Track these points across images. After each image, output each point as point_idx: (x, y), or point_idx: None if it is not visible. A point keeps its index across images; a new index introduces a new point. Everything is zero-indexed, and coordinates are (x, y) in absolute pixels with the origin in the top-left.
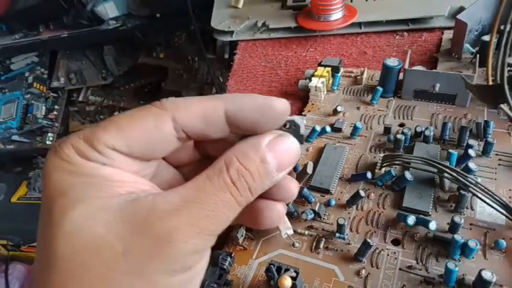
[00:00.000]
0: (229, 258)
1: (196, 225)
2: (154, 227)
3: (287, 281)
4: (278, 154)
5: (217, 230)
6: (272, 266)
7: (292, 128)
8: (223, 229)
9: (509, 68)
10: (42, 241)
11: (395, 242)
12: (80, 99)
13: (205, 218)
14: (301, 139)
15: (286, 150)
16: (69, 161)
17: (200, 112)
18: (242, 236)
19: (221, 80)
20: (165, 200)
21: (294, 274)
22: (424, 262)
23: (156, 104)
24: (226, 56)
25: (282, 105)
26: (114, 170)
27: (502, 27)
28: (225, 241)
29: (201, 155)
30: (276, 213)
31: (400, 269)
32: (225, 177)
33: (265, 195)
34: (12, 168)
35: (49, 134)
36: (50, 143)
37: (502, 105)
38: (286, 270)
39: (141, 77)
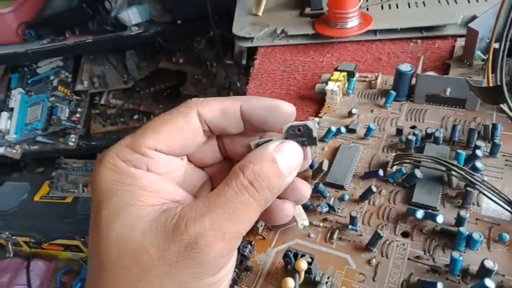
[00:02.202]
0: (249, 246)
1: (219, 229)
2: (181, 233)
3: (303, 263)
4: (284, 156)
5: (240, 232)
6: (289, 252)
7: (305, 132)
8: (247, 230)
9: None
10: (93, 245)
11: (405, 235)
12: (102, 102)
13: (227, 222)
14: (314, 141)
15: (291, 152)
16: (113, 170)
17: (220, 108)
18: (262, 226)
19: (238, 85)
20: (191, 208)
21: (309, 260)
22: (431, 253)
23: (182, 105)
24: (244, 62)
25: (288, 108)
26: (153, 179)
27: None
28: None
29: (223, 157)
30: (286, 213)
31: (408, 259)
32: (242, 180)
33: (280, 196)
34: (35, 168)
35: (72, 136)
36: (72, 144)
37: (502, 106)
38: (302, 256)
39: (161, 82)
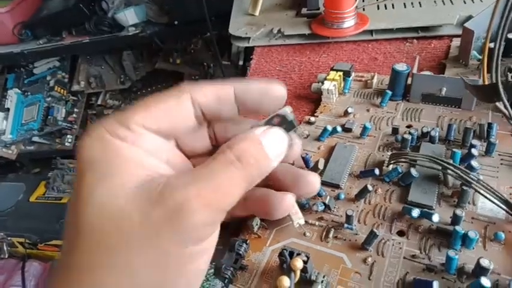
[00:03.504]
0: (244, 245)
1: (204, 198)
2: (166, 199)
3: (299, 262)
4: (269, 140)
5: (224, 205)
6: (285, 250)
7: (282, 120)
8: (231, 205)
9: None
10: (73, 211)
11: (401, 233)
12: (99, 102)
13: (212, 192)
14: (292, 124)
15: (275, 137)
16: (99, 140)
17: (214, 93)
18: (257, 225)
19: None
20: (177, 177)
21: (305, 258)
22: (427, 252)
23: (175, 87)
24: (241, 62)
25: (280, 89)
26: (139, 153)
27: (500, 33)
28: (240, 229)
29: (212, 147)
30: (286, 204)
31: (404, 258)
32: (228, 155)
33: (287, 189)
34: (31, 169)
35: (68, 136)
36: (68, 144)
37: (497, 104)
38: (298, 254)
39: (158, 82)
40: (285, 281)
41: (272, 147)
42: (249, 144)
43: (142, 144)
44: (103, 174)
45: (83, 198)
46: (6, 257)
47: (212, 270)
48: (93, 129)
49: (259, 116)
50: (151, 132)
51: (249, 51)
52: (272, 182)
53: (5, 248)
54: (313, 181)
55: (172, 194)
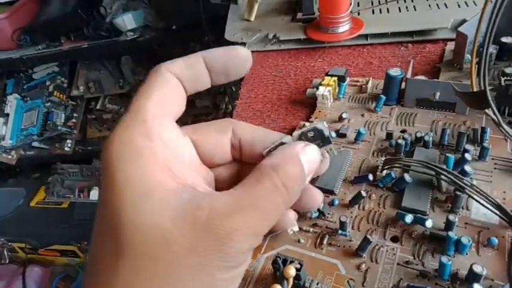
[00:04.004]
0: None
1: (251, 227)
2: (215, 227)
3: (291, 270)
4: (307, 159)
5: (266, 231)
6: (278, 258)
7: (317, 135)
8: (268, 230)
9: (506, 78)
10: (112, 228)
11: (394, 239)
12: (98, 107)
13: (258, 221)
14: (328, 140)
15: (312, 156)
16: (128, 144)
17: (185, 63)
18: None
19: (233, 89)
20: (221, 202)
21: (298, 266)
22: (420, 258)
23: (152, 71)
24: None
25: (243, 50)
26: (167, 156)
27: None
28: None
29: (232, 159)
30: (289, 220)
31: (398, 264)
32: (275, 180)
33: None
34: (31, 174)
35: (68, 141)
36: (68, 149)
37: (486, 110)
38: (291, 262)
39: None
40: None
41: (308, 167)
42: (294, 168)
43: (167, 149)
44: (143, 190)
45: (127, 216)
46: (7, 262)
47: None
48: (115, 133)
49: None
50: (177, 136)
51: None
52: None
53: (5, 254)
54: (317, 197)
55: (220, 223)
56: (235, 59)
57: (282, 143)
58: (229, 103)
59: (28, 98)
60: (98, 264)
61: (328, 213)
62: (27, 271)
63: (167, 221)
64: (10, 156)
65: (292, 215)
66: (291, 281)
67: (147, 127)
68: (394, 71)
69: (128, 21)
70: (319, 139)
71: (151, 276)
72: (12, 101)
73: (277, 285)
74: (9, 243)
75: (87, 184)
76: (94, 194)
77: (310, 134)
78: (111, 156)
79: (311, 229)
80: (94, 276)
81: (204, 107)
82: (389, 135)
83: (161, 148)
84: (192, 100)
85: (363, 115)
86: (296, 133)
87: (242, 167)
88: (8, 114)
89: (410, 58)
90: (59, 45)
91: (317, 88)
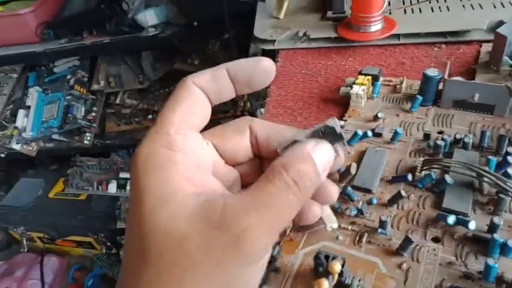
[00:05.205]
0: (277, 247)
1: (265, 224)
2: (230, 226)
3: (337, 266)
4: (319, 156)
5: (281, 228)
6: (320, 254)
7: (328, 131)
8: (285, 227)
9: None
10: (136, 235)
11: (435, 240)
12: (117, 101)
13: (272, 219)
14: (341, 137)
15: (325, 153)
16: (155, 151)
17: (210, 75)
18: (289, 227)
19: None
20: (235, 201)
21: (341, 262)
22: (463, 259)
23: (178, 85)
24: None
25: (268, 63)
26: (188, 165)
27: None
28: None
29: (254, 156)
30: (313, 213)
31: (440, 264)
32: (286, 179)
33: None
34: (49, 166)
35: (87, 134)
36: (87, 142)
37: None
38: (334, 258)
39: (176, 82)
40: (325, 283)
41: (321, 164)
42: (305, 166)
43: (189, 159)
44: (162, 195)
45: (146, 224)
46: (26, 251)
47: None
48: (151, 139)
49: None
50: (189, 128)
51: (267, 54)
52: None
53: (24, 242)
54: (333, 193)
55: (234, 220)
56: (259, 71)
57: (296, 141)
58: (248, 101)
59: (49, 91)
60: (126, 271)
61: (367, 212)
62: (45, 260)
63: (183, 223)
64: (30, 148)
65: (317, 209)
66: (336, 276)
67: (169, 139)
68: (432, 72)
69: (149, 17)
70: (332, 136)
71: (174, 276)
72: (33, 94)
73: (324, 279)
74: (28, 233)
75: (106, 177)
76: (112, 187)
77: (322, 131)
78: (136, 169)
79: (349, 227)
80: (123, 282)
81: (223, 104)
82: (426, 136)
83: (182, 158)
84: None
85: (398, 115)
86: (308, 131)
87: (264, 162)
88: (29, 107)
89: (444, 59)
90: (81, 39)
91: (351, 87)
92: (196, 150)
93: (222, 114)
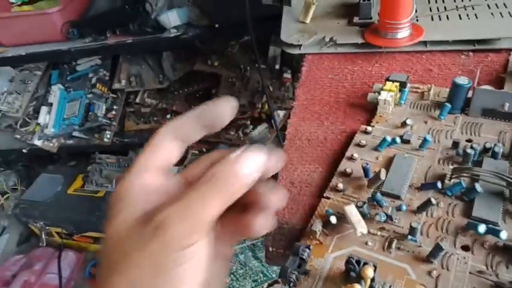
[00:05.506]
0: (307, 250)
1: (180, 212)
2: (153, 217)
3: (370, 271)
4: (244, 157)
5: (200, 217)
6: (352, 258)
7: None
8: (210, 217)
9: None
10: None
11: (465, 248)
12: (137, 101)
13: (187, 208)
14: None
15: (250, 153)
16: (125, 182)
17: (178, 123)
18: (319, 231)
19: (271, 89)
20: (164, 199)
21: (373, 267)
22: (494, 268)
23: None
24: (277, 66)
25: (230, 103)
26: (146, 192)
27: None
28: (302, 235)
29: None
30: (260, 225)
31: (470, 273)
32: (206, 175)
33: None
34: (67, 162)
35: (107, 132)
36: (107, 140)
37: None
38: (365, 263)
39: (195, 83)
40: None
41: (247, 163)
42: (223, 163)
43: (146, 188)
44: (118, 211)
45: (107, 228)
46: (44, 245)
47: (242, 271)
48: (127, 173)
49: None
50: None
51: (286, 57)
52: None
53: (43, 237)
54: (274, 200)
55: (158, 211)
56: (223, 112)
57: None
58: (266, 103)
59: (71, 89)
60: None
61: (396, 218)
62: (62, 255)
63: (124, 229)
64: (52, 144)
65: (263, 221)
66: (368, 281)
67: (131, 177)
68: (462, 80)
69: (172, 18)
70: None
71: (113, 265)
72: (55, 91)
73: (357, 285)
74: (47, 227)
75: None
76: None
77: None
78: (112, 199)
79: (378, 232)
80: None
81: (241, 105)
82: (455, 144)
83: (138, 189)
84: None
85: (426, 122)
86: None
87: None
88: (51, 104)
89: (472, 67)
90: (104, 39)
91: (378, 93)
92: (158, 184)
93: (240, 114)
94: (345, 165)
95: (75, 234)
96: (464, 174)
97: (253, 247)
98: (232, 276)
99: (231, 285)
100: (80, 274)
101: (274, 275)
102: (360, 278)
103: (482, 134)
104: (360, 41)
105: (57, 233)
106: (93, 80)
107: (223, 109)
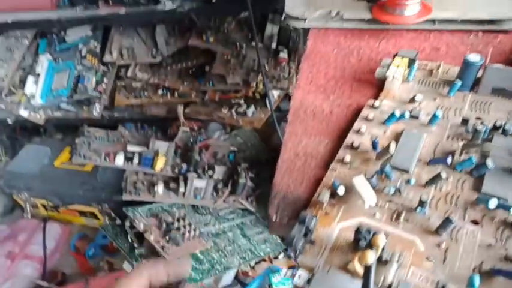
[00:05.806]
0: (314, 219)
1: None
2: None
3: (381, 240)
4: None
5: None
6: (361, 229)
7: None
8: None
9: None
10: None
11: (474, 222)
12: (128, 74)
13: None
14: None
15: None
16: None
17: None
18: (326, 202)
19: (267, 68)
20: None
21: (384, 236)
22: (503, 242)
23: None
24: (274, 45)
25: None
26: None
27: None
28: (307, 205)
29: None
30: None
31: (479, 246)
32: None
33: None
34: (55, 134)
35: (96, 105)
36: (96, 114)
37: None
38: (374, 233)
39: (189, 59)
40: (370, 255)
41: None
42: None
43: None
44: None
45: None
46: (29, 217)
47: (230, 248)
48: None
49: None
50: None
51: (282, 36)
52: None
53: (28, 208)
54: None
55: None
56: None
57: None
58: (260, 82)
59: (60, 60)
60: None
61: (404, 191)
62: (47, 227)
63: None
64: (38, 116)
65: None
66: (379, 250)
67: None
68: (473, 57)
69: None
70: None
71: None
72: (43, 61)
73: (370, 251)
74: (32, 199)
75: (113, 149)
76: (119, 159)
77: None
78: None
79: (386, 204)
80: None
81: (234, 84)
82: (464, 121)
83: None
84: (222, 76)
85: (435, 99)
86: None
87: None
88: (39, 74)
89: (481, 47)
90: (96, 8)
91: (387, 68)
92: None
93: (233, 93)
94: (352, 138)
95: (61, 206)
96: (475, 150)
97: (242, 225)
98: (220, 253)
99: (218, 261)
100: (64, 247)
101: (262, 253)
102: (372, 247)
103: (491, 113)
104: (367, 16)
105: (43, 205)
106: (84, 52)
107: (187, 267)
